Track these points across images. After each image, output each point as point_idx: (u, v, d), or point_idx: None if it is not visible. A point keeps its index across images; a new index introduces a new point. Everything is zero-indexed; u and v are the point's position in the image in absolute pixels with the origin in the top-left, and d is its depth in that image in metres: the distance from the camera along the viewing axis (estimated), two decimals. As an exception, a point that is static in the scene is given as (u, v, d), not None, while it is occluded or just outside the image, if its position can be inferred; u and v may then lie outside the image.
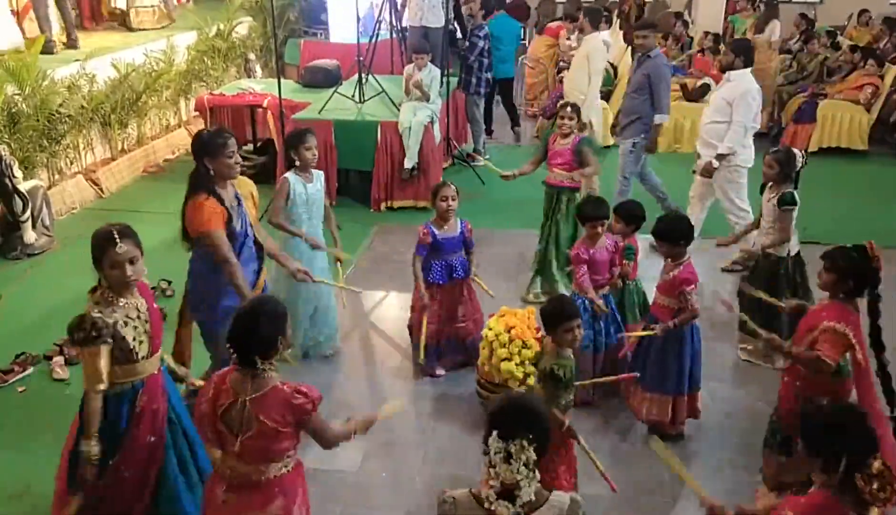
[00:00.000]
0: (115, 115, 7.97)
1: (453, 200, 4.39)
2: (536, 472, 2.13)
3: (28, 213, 6.21)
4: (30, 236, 6.28)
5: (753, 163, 5.87)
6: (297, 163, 4.41)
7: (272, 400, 2.53)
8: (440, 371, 4.66)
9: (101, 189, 7.63)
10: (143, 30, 10.21)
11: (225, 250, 3.52)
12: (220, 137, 3.57)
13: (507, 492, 2.11)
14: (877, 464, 2.13)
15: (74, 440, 2.97)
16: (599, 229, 4.27)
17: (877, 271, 3.24)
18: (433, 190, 4.52)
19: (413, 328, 4.63)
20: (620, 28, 11.91)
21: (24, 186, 6.27)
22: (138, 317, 2.90)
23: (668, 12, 13.49)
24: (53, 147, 7.12)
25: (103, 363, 2.81)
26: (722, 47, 10.28)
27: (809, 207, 7.46)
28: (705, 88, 9.26)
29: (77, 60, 7.75)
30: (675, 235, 3.93)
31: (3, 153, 6.15)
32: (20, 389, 4.57)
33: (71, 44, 8.74)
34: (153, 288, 5.56)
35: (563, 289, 5.33)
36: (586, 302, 4.23)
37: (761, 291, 4.01)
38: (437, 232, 4.40)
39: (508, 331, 4.09)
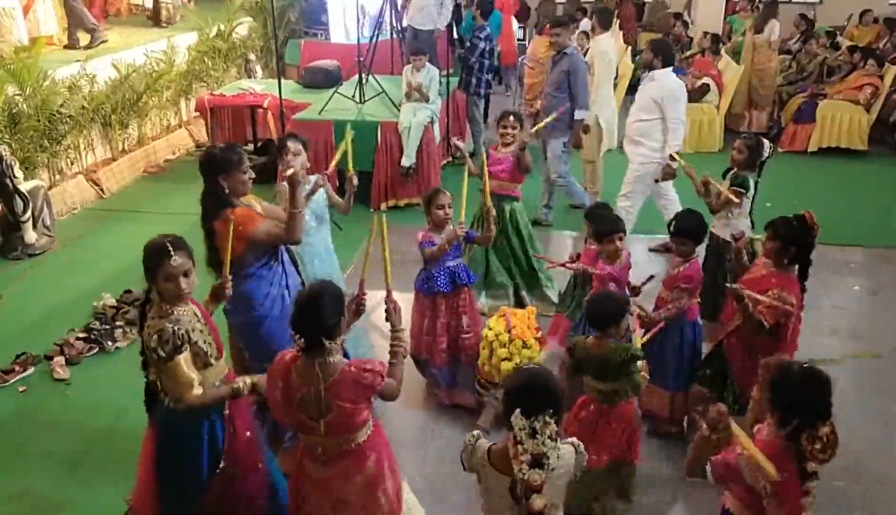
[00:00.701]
0: (116, 115, 7.98)
1: (449, 207, 4.23)
2: (559, 440, 2.27)
3: (29, 213, 6.22)
4: (30, 236, 6.29)
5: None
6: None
7: (343, 384, 2.62)
8: (462, 399, 4.40)
9: (101, 189, 7.64)
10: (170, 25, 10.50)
11: (280, 230, 3.43)
12: (234, 153, 3.46)
13: (536, 461, 2.20)
14: (825, 429, 2.32)
15: (161, 469, 2.93)
16: (618, 243, 4.10)
17: (814, 239, 3.57)
18: (426, 198, 4.30)
19: (419, 356, 4.38)
20: (620, 28, 11.92)
21: (24, 187, 6.28)
22: (198, 321, 2.88)
23: (668, 13, 13.51)
24: (54, 147, 7.13)
25: (191, 368, 2.79)
26: (722, 46, 10.32)
27: (809, 207, 7.49)
28: (705, 88, 9.28)
29: (78, 61, 7.77)
30: (686, 231, 3.94)
31: (3, 153, 6.16)
32: (21, 389, 4.58)
33: (72, 43, 8.83)
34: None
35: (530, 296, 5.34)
36: None
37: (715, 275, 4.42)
38: (435, 239, 4.23)
39: (509, 331, 4.09)
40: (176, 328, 2.75)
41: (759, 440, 2.48)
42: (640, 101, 5.99)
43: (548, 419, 2.21)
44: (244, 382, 2.93)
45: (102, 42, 8.85)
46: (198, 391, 2.80)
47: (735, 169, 4.70)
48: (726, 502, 2.64)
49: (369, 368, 2.67)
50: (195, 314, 2.88)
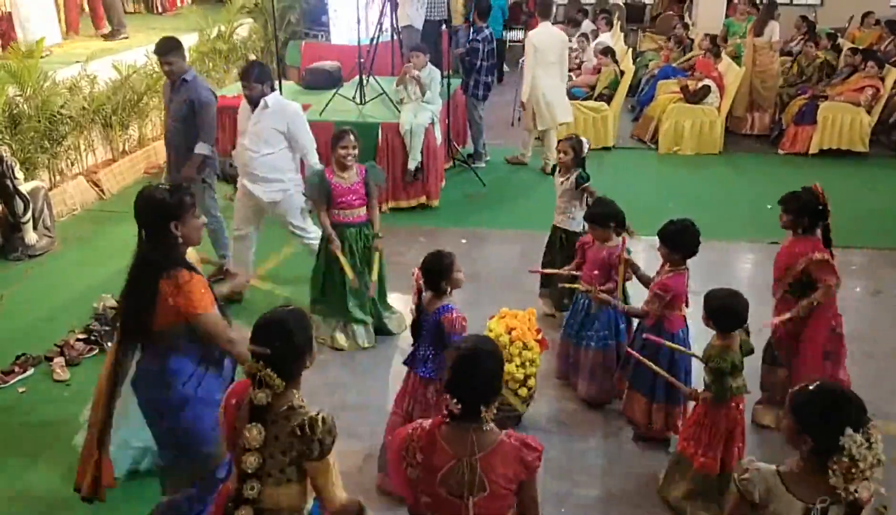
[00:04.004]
0: (117, 116, 7.98)
1: None
2: None
3: (29, 214, 6.22)
4: (31, 237, 6.29)
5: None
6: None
7: (501, 457, 2.29)
8: None
9: (102, 190, 7.64)
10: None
11: (226, 330, 2.95)
12: (186, 194, 2.95)
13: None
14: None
15: None
16: (608, 232, 4.32)
17: (826, 207, 3.92)
18: (446, 262, 3.49)
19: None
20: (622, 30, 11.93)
21: (25, 188, 6.28)
22: None
23: (669, 14, 13.51)
24: (55, 148, 7.13)
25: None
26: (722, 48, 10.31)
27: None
28: (706, 90, 9.27)
29: (78, 62, 7.78)
30: (675, 241, 3.92)
31: (4, 154, 6.17)
32: (21, 390, 4.58)
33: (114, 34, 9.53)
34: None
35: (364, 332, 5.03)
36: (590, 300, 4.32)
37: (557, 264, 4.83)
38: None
39: (509, 332, 4.08)
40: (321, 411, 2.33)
41: None
42: (258, 134, 5.15)
43: (875, 423, 2.13)
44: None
45: (125, 38, 9.35)
46: (340, 491, 2.38)
47: (560, 169, 5.12)
48: None
49: (532, 444, 2.33)
50: None
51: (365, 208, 4.85)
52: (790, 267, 3.96)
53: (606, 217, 4.36)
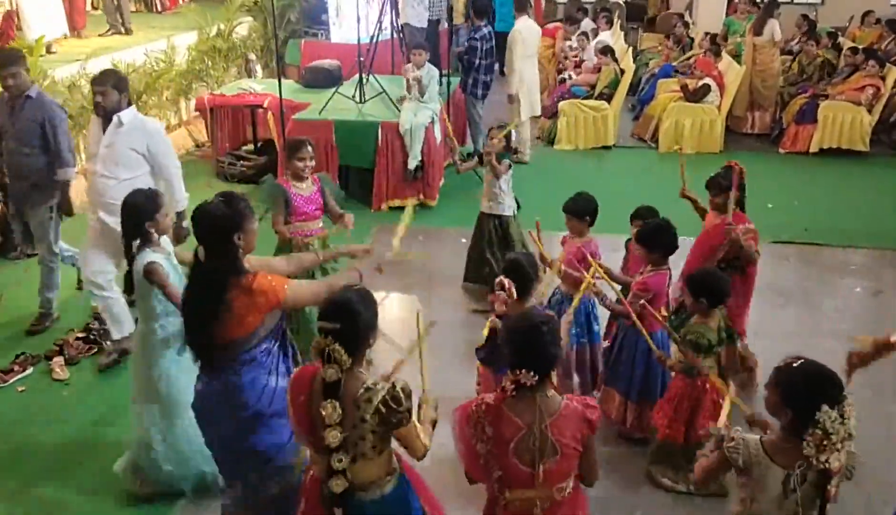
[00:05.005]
0: (116, 115, 7.97)
1: None
2: None
3: (28, 213, 6.20)
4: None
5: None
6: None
7: (567, 420, 2.44)
8: None
9: (101, 189, 7.62)
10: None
11: (318, 290, 2.92)
12: (243, 202, 2.87)
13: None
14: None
15: None
16: (584, 226, 4.34)
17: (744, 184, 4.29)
18: (533, 268, 3.50)
19: None
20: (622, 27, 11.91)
21: (24, 187, 6.26)
22: None
23: (670, 13, 13.50)
24: (54, 147, 7.10)
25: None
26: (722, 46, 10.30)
27: (811, 208, 7.50)
28: (706, 89, 9.25)
29: (78, 60, 7.76)
30: (651, 241, 3.91)
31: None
32: (20, 389, 4.58)
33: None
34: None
35: None
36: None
37: (490, 249, 5.28)
38: None
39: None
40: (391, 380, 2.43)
41: None
42: (112, 158, 4.41)
43: (849, 400, 2.29)
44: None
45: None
46: (424, 437, 2.51)
47: (490, 158, 5.25)
48: None
49: (592, 404, 2.50)
50: None
51: (320, 221, 4.50)
52: (719, 245, 4.11)
53: (583, 211, 4.29)
